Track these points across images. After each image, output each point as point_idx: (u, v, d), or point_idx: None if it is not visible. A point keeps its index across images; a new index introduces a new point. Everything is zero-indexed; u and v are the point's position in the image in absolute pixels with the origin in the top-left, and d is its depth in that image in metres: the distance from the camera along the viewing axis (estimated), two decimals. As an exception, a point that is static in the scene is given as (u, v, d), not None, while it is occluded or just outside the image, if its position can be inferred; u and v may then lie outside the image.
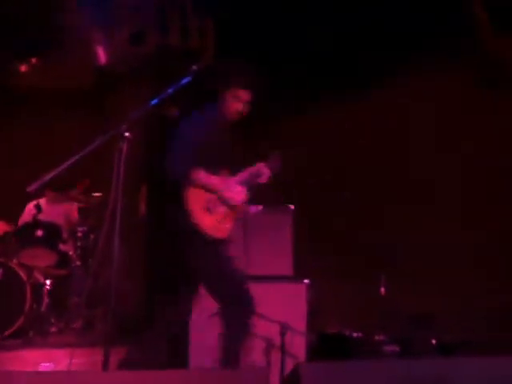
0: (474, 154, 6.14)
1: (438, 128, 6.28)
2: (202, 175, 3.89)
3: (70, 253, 5.87)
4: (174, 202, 3.93)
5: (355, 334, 5.28)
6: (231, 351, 3.82)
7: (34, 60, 7.17)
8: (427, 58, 6.28)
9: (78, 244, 5.91)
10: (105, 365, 3.14)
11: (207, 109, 4.11)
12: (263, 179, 4.09)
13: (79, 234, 5.93)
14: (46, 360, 4.51)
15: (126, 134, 3.31)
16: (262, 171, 4.10)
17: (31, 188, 3.28)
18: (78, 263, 5.84)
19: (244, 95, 3.99)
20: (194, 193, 3.88)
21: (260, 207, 4.80)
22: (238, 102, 3.99)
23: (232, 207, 3.94)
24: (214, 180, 3.93)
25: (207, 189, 3.90)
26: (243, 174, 4.07)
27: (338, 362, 2.65)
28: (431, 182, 6.25)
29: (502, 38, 5.84)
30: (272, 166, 4.13)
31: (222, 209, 3.92)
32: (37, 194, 6.08)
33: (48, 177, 3.27)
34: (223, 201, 3.91)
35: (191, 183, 3.87)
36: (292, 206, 5.02)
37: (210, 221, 3.87)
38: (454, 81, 6.23)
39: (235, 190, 3.96)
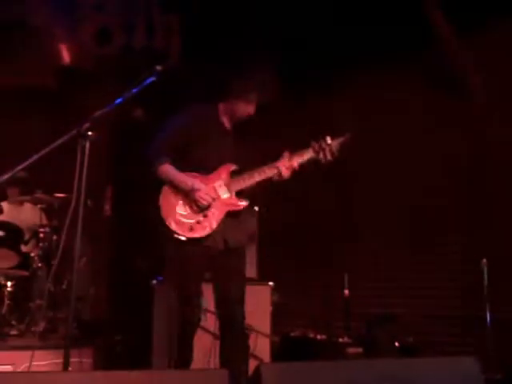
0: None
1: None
2: (165, 168, 3.79)
3: (32, 254, 5.77)
4: (149, 197, 3.82)
5: (319, 337, 5.30)
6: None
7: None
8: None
9: (40, 245, 5.81)
10: (65, 366, 3.10)
11: (195, 106, 4.00)
12: (285, 175, 3.85)
13: (41, 235, 5.83)
14: (5, 362, 4.42)
15: (89, 133, 3.27)
16: (279, 168, 3.85)
17: None
18: (40, 265, 5.74)
19: (256, 100, 3.87)
20: (167, 189, 3.80)
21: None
22: (249, 105, 3.88)
23: (204, 206, 3.78)
24: (179, 176, 3.79)
25: (174, 185, 3.78)
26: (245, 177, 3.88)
27: (298, 363, 2.65)
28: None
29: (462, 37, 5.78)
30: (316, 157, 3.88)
31: (197, 208, 3.78)
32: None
33: (6, 177, 3.20)
34: (193, 199, 3.77)
35: (158, 176, 3.78)
36: (257, 208, 5.02)
37: (183, 219, 3.74)
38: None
39: (203, 189, 3.77)
